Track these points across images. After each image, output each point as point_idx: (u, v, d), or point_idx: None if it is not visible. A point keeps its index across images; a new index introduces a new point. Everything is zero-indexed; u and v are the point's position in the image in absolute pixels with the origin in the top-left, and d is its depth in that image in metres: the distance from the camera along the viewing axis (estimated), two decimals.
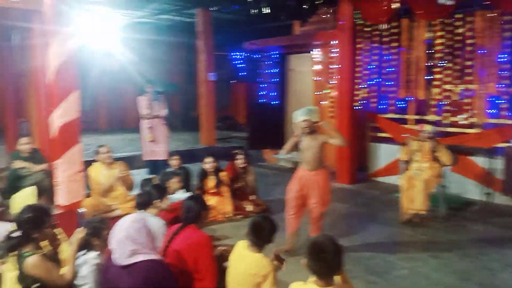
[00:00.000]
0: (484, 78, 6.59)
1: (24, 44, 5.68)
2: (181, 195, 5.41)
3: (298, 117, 4.52)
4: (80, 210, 4.87)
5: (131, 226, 2.70)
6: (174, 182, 5.24)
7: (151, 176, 7.03)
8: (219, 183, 5.73)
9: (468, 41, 6.73)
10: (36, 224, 2.74)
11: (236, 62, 15.21)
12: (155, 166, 7.45)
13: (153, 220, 3.55)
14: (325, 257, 2.19)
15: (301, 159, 4.65)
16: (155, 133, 7.54)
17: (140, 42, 12.37)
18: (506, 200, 6.44)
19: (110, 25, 9.39)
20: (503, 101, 6.52)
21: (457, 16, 6.80)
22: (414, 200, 5.48)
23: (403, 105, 8.34)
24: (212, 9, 9.77)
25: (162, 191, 3.94)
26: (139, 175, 7.05)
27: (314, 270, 2.22)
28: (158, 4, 9.45)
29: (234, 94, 15.57)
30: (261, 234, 2.90)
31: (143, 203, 3.79)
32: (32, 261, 2.62)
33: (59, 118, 4.47)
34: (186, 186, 5.83)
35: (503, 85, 6.45)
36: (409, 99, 7.66)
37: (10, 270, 3.12)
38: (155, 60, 13.37)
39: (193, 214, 3.27)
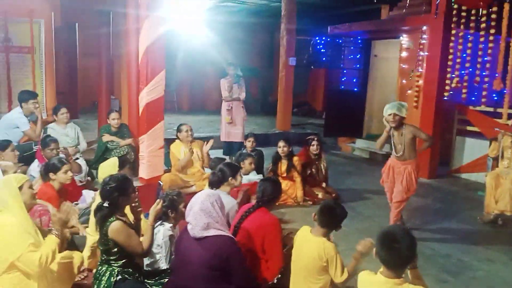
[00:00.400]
0: None
1: (119, 29, 6.14)
2: (253, 177, 5.55)
3: (387, 110, 4.59)
4: (159, 184, 5.20)
5: (206, 199, 2.84)
6: (247, 163, 5.37)
7: (225, 156, 7.30)
8: (290, 168, 5.76)
9: None
10: (120, 192, 2.96)
11: (318, 47, 14.98)
12: (231, 147, 7.67)
13: (226, 199, 3.70)
14: (396, 248, 2.14)
15: (392, 151, 4.78)
16: (234, 116, 7.73)
17: (223, 24, 12.61)
18: None
19: (195, 7, 9.65)
20: None
21: None
22: (499, 200, 5.09)
23: (498, 97, 7.69)
24: None
25: (235, 169, 4.06)
26: (216, 155, 7.32)
27: (384, 260, 2.19)
28: None
29: (312, 80, 15.41)
30: (330, 218, 2.91)
31: (217, 181, 3.95)
32: (115, 226, 2.86)
33: (146, 95, 4.77)
34: (258, 168, 5.94)
35: None
36: (505, 91, 7.03)
37: (93, 234, 3.46)
38: (238, 42, 13.59)
39: (268, 197, 3.35)
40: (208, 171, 5.70)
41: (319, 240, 2.89)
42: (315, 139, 6.19)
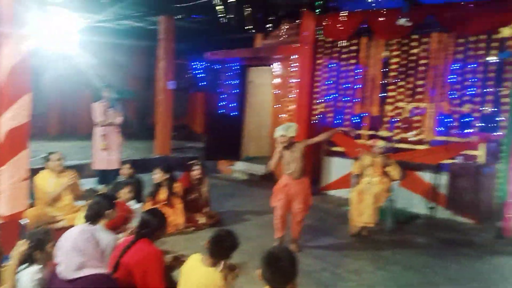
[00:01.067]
0: (435, 97, 6.94)
1: None
2: (132, 206, 5.29)
3: (277, 133, 4.96)
4: (22, 221, 4.64)
5: (79, 237, 2.62)
6: (125, 192, 5.11)
7: (99, 186, 6.87)
8: (171, 194, 5.64)
9: (422, 61, 7.08)
10: None
11: (196, 71, 15.16)
12: (106, 175, 7.24)
13: (104, 234, 3.45)
14: (281, 267, 2.23)
15: (285, 170, 5.07)
16: (109, 141, 7.34)
17: (99, 45, 12.06)
18: (448, 215, 6.77)
19: (68, 28, 9.09)
20: (451, 120, 6.88)
21: (413, 37, 7.14)
22: (363, 213, 5.64)
23: (358, 120, 8.61)
24: (177, 17, 9.70)
25: (111, 199, 3.82)
26: (88, 184, 6.84)
27: (269, 281, 2.25)
28: (120, 9, 9.28)
29: (192, 104, 15.45)
30: (221, 248, 2.87)
31: (93, 215, 3.66)
32: None
33: (9, 121, 4.27)
34: (137, 196, 5.70)
35: (452, 105, 6.81)
36: (364, 115, 7.92)
37: None
38: (113, 64, 13.09)
39: (149, 229, 3.19)
40: (80, 203, 5.28)
41: (209, 270, 2.85)
42: (197, 163, 6.18)
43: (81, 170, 7.93)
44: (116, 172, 6.96)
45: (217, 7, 6.52)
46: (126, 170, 6.00)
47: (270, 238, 5.15)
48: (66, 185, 5.23)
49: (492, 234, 5.91)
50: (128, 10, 9.51)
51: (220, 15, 7.65)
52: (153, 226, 3.20)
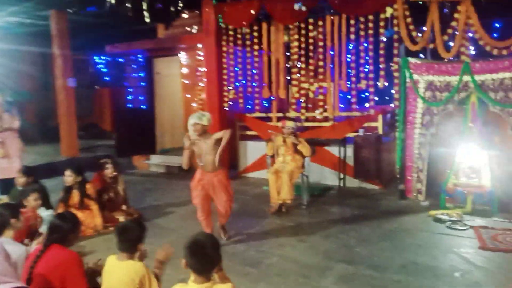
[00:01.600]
0: (334, 76, 7.37)
1: None
2: (42, 213, 4.97)
3: (189, 121, 4.72)
4: None
5: None
6: (32, 200, 4.77)
7: (2, 196, 6.32)
8: (84, 197, 5.39)
9: (320, 43, 7.46)
10: None
11: (98, 66, 14.43)
12: (7, 184, 6.68)
13: (13, 246, 3.22)
14: (205, 253, 2.27)
15: (198, 163, 4.83)
16: (7, 148, 6.76)
17: None
18: (356, 183, 7.34)
19: None
20: (351, 97, 7.38)
21: (310, 21, 7.48)
22: (281, 191, 5.90)
23: (267, 104, 8.89)
24: (69, 10, 9.11)
25: (15, 208, 3.55)
26: None
27: (194, 268, 2.28)
28: (6, 5, 8.48)
29: (97, 100, 14.75)
30: (127, 238, 2.83)
31: None
32: None
33: None
34: (44, 203, 5.36)
35: (351, 82, 7.30)
36: (272, 98, 8.18)
37: None
38: (6, 68, 12.00)
39: (60, 234, 3.02)
40: None
41: (127, 263, 2.80)
42: (109, 161, 5.95)
43: None
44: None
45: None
46: (20, 179, 5.54)
47: (193, 228, 5.15)
48: None
49: (395, 197, 6.52)
50: (15, 5, 8.73)
51: (114, 7, 7.34)
52: (65, 230, 3.04)
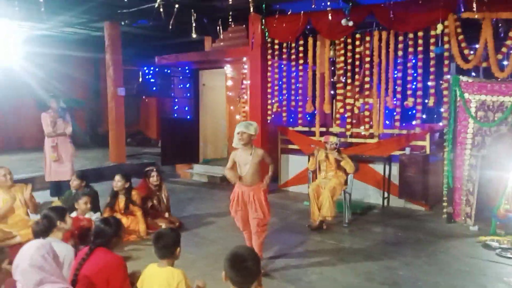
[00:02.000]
0: (381, 92, 7.24)
1: None
2: (91, 217, 5.17)
3: (236, 130, 4.49)
4: None
5: (36, 253, 2.53)
6: (82, 203, 4.98)
7: (53, 198, 6.63)
8: (129, 203, 5.55)
9: (367, 59, 7.37)
10: None
11: (147, 76, 14.94)
12: (59, 187, 7.00)
13: (60, 246, 3.35)
14: (245, 267, 2.28)
15: (238, 173, 4.57)
16: (60, 152, 7.10)
17: (45, 56, 11.74)
18: (400, 203, 7.12)
19: (10, 38, 8.75)
20: (397, 114, 7.21)
21: (357, 36, 7.41)
22: (321, 207, 5.81)
23: (310, 118, 8.85)
24: (122, 23, 9.53)
25: (62, 211, 3.70)
26: (41, 197, 6.58)
27: (234, 281, 2.29)
28: (63, 16, 8.98)
29: (144, 109, 15.24)
30: (164, 246, 2.93)
31: (43, 230, 3.52)
32: None
33: None
34: (94, 207, 5.57)
35: (397, 99, 7.15)
36: (316, 112, 8.14)
37: None
38: (61, 74, 12.72)
39: (105, 238, 3.15)
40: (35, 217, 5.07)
41: (166, 269, 2.90)
42: (154, 169, 6.11)
43: (32, 183, 7.63)
44: (69, 183, 6.75)
45: (161, 12, 6.44)
46: (74, 182, 5.78)
47: (233, 240, 5.19)
48: (12, 200, 5.01)
49: (442, 219, 6.27)
50: (71, 17, 9.23)
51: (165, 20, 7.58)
52: (109, 234, 3.17)
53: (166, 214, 6.08)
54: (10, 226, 5.01)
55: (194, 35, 7.84)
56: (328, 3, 7.09)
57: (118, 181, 5.57)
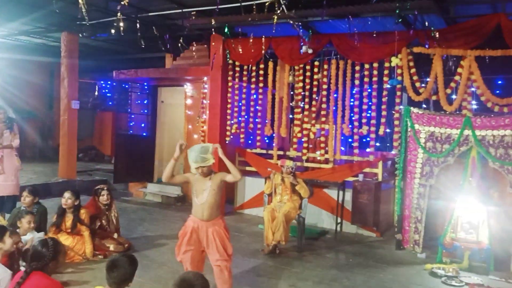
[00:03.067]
0: (337, 119, 7.42)
1: None
2: (32, 236, 4.88)
3: (191, 163, 3.86)
4: None
5: None
6: (25, 222, 4.70)
7: None
8: (76, 222, 5.30)
9: (324, 86, 7.55)
10: None
11: (103, 90, 14.59)
12: (2, 202, 6.61)
13: None
14: None
15: (194, 204, 3.99)
16: (4, 165, 6.72)
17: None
18: (353, 229, 7.24)
19: None
20: (352, 141, 7.40)
21: (316, 63, 7.60)
22: (276, 231, 5.79)
23: (269, 141, 8.91)
24: (80, 35, 9.29)
25: (1, 231, 3.48)
26: None
27: None
28: (18, 24, 8.63)
29: (99, 124, 14.82)
30: (119, 275, 2.73)
31: None
32: None
33: None
34: (41, 226, 5.29)
35: (353, 126, 7.34)
36: (274, 135, 8.20)
37: None
38: (12, 82, 12.11)
39: (41, 262, 2.96)
40: None
41: None
42: (105, 188, 5.89)
43: None
44: (14, 199, 6.40)
45: (121, 27, 6.33)
46: (27, 199, 5.48)
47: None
48: None
49: (392, 246, 6.42)
50: (28, 25, 8.90)
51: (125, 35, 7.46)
52: (46, 258, 2.99)
53: (115, 235, 5.84)
54: None
55: (158, 49, 7.68)
56: (289, 30, 7.24)
57: (68, 199, 5.32)
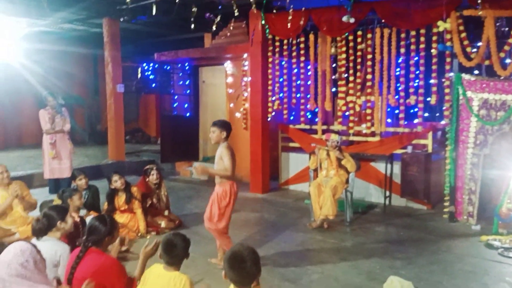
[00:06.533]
0: (382, 90, 7.17)
1: None
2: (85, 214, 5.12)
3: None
4: None
5: (14, 260, 2.31)
6: (76, 199, 4.90)
7: (52, 196, 6.56)
8: (129, 200, 5.49)
9: (368, 56, 7.28)
10: None
11: (146, 73, 14.85)
12: (58, 185, 6.95)
13: (56, 245, 3.31)
14: (244, 267, 2.27)
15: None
16: (58, 149, 7.05)
17: (43, 52, 11.68)
18: (402, 202, 7.07)
19: (8, 34, 8.69)
20: (399, 112, 7.14)
21: (358, 33, 7.33)
22: (323, 206, 5.75)
23: (312, 116, 8.77)
24: (121, 19, 9.44)
25: (63, 211, 3.63)
26: (40, 194, 6.53)
27: (234, 281, 2.31)
28: (63, 13, 8.89)
29: (144, 106, 15.18)
30: (173, 253, 2.84)
31: (42, 229, 3.46)
32: None
33: None
34: (94, 205, 5.52)
35: (399, 97, 7.08)
36: (317, 110, 8.07)
37: None
38: (59, 71, 12.64)
39: (97, 237, 3.05)
40: (33, 214, 5.02)
41: (173, 274, 2.81)
42: (154, 168, 6.04)
43: (31, 180, 7.61)
44: (68, 181, 6.70)
45: (157, 8, 6.33)
46: (80, 181, 5.71)
47: (233, 238, 5.11)
48: (12, 197, 4.96)
49: (444, 218, 6.22)
50: (70, 13, 9.14)
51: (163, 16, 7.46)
52: (101, 233, 3.06)
53: (166, 212, 6.02)
54: (9, 223, 4.97)
55: (197, 29, 7.69)
56: (329, 0, 7.01)
57: (117, 180, 5.50)
